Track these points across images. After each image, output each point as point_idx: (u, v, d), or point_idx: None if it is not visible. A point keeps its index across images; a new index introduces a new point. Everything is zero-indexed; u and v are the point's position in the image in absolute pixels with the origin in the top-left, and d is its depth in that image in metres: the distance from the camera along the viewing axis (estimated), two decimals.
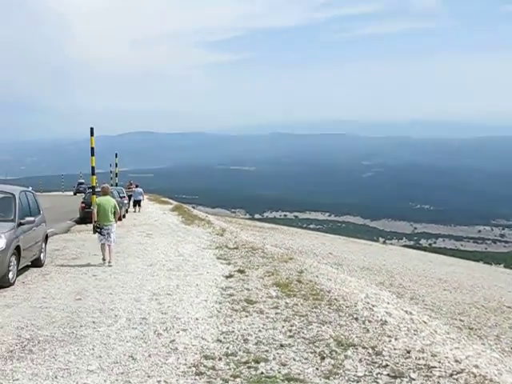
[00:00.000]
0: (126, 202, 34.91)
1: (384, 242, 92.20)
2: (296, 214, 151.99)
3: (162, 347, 6.71)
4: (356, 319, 7.97)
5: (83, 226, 25.18)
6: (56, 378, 5.74)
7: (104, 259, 13.90)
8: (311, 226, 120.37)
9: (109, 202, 14.48)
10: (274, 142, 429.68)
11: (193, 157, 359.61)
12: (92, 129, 21.77)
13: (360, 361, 6.16)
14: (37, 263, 13.30)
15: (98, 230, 14.18)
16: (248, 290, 10.16)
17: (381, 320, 7.90)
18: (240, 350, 6.56)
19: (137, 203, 37.46)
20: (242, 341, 6.94)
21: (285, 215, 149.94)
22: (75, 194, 67.67)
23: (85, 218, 26.65)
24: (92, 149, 21.90)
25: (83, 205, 28.23)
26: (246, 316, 8.21)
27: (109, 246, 13.93)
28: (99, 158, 22.55)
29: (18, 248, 11.24)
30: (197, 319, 8.01)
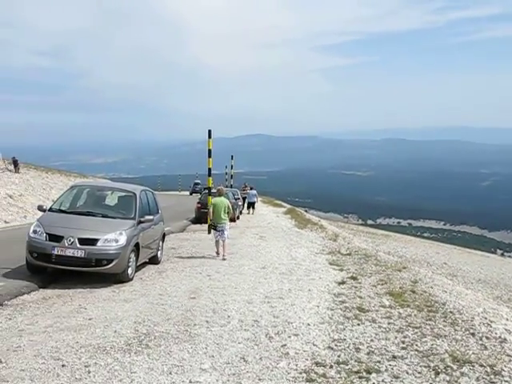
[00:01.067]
0: (240, 203, 35.44)
1: (502, 255, 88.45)
2: (410, 221, 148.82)
3: (273, 351, 6.72)
4: (473, 335, 7.64)
5: (198, 226, 25.81)
6: (170, 373, 5.88)
7: (218, 253, 15.28)
8: (425, 235, 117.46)
9: (223, 202, 15.49)
10: (387, 148, 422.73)
11: (306, 160, 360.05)
12: (210, 131, 22.28)
13: (477, 379, 5.89)
14: (154, 260, 13.77)
15: (213, 227, 15.49)
16: (360, 297, 10.01)
17: (500, 337, 7.52)
18: (351, 359, 6.46)
19: (251, 205, 37.93)
20: (354, 349, 6.83)
21: (398, 222, 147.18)
22: (191, 194, 69.53)
23: (200, 218, 27.31)
24: (209, 151, 22.38)
25: (199, 205, 28.92)
26: (358, 324, 8.08)
27: (223, 241, 15.21)
28: (215, 160, 23.00)
29: (137, 245, 11.69)
30: (308, 325, 7.97)
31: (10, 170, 38.92)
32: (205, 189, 40.28)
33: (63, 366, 6.01)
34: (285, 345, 6.95)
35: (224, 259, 14.69)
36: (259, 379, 5.81)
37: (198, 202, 29.64)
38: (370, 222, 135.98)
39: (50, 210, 12.07)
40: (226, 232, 15.30)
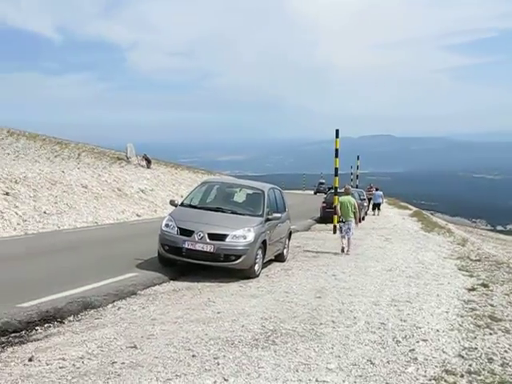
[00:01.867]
0: (365, 204, 35.07)
1: None
2: None
3: (400, 355, 6.58)
4: None
5: (323, 226, 25.79)
6: (297, 371, 5.90)
7: (342, 251, 15.82)
8: None
9: (349, 201, 16.13)
10: None
11: (432, 162, 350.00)
12: (337, 130, 22.20)
13: None
14: (280, 258, 13.90)
15: (341, 222, 16.24)
16: (492, 305, 9.59)
17: None
18: (484, 370, 6.20)
19: (376, 206, 37.45)
20: (486, 360, 6.55)
21: None
22: (315, 193, 69.56)
23: (325, 217, 27.28)
24: (336, 150, 22.30)
25: (324, 205, 28.90)
26: (490, 334, 7.74)
27: (348, 238, 15.92)
28: (340, 160, 22.90)
29: (264, 242, 11.85)
30: (437, 331, 7.73)
31: (143, 166, 40.62)
32: (329, 188, 40.03)
33: (193, 356, 6.19)
34: (413, 349, 6.78)
35: (348, 254, 15.46)
36: (386, 383, 5.72)
37: (324, 202, 29.62)
38: (499, 227, 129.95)
39: (182, 204, 12.50)
40: (351, 229, 15.95)
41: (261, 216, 12.05)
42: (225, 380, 5.51)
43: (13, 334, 7.02)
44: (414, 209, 52.06)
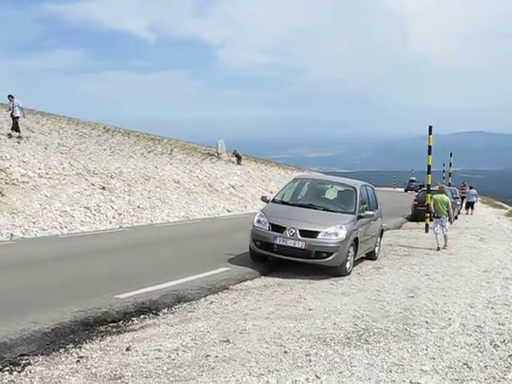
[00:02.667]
0: (458, 203, 34.13)
1: None
2: None
3: (499, 360, 6.35)
4: None
5: (415, 224, 25.30)
6: (390, 371, 5.80)
7: (438, 248, 15.99)
8: None
9: (443, 199, 16.32)
10: None
11: None
12: (430, 127, 21.71)
13: None
14: (371, 256, 13.74)
15: (435, 217, 16.49)
16: None
17: None
18: None
19: (470, 205, 36.35)
20: None
21: None
22: (406, 191, 68.33)
23: (417, 215, 26.78)
24: (429, 147, 21.83)
25: (416, 202, 28.35)
26: None
27: (443, 234, 16.27)
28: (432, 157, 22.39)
29: (356, 240, 11.74)
30: None
31: (233, 162, 41.08)
32: (421, 186, 39.21)
33: (285, 352, 6.21)
34: None
35: (445, 249, 15.94)
36: None
37: (415, 200, 29.07)
38: None
39: (273, 201, 12.55)
40: (446, 225, 16.24)
41: (353, 213, 11.93)
42: (317, 377, 5.49)
43: (111, 324, 7.26)
44: (510, 208, 50.18)
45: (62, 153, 24.69)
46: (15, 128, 25.36)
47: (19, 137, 25.16)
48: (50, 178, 19.22)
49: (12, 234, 14.16)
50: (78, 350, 6.27)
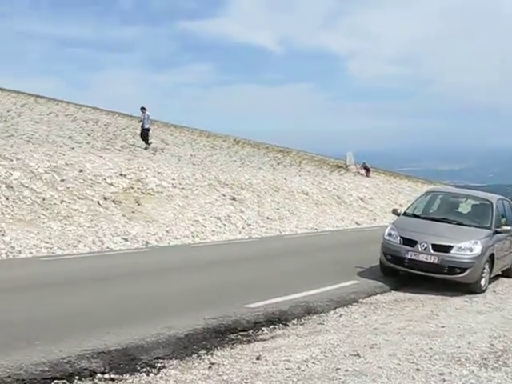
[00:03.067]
0: None
1: None
2: None
3: None
4: None
5: None
6: None
7: None
8: None
9: None
10: None
11: None
12: None
13: None
14: (508, 274, 13.10)
15: None
16: None
17: None
18: None
19: None
20: None
21: None
22: None
23: None
24: None
25: None
26: None
27: None
28: None
29: (491, 256, 11.24)
30: None
31: (362, 174, 40.64)
32: None
33: (418, 369, 6.02)
34: None
35: None
36: None
37: None
38: None
39: (404, 214, 12.30)
40: None
41: (488, 228, 11.43)
42: None
43: (241, 333, 7.38)
44: None
45: (194, 164, 25.49)
46: (144, 138, 26.60)
47: (146, 148, 26.25)
48: (183, 188, 19.90)
49: (147, 242, 14.75)
50: (209, 356, 6.42)
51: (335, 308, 9.04)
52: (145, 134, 26.61)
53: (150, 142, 26.93)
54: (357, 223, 25.28)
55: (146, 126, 26.44)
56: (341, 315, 8.64)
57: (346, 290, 10.11)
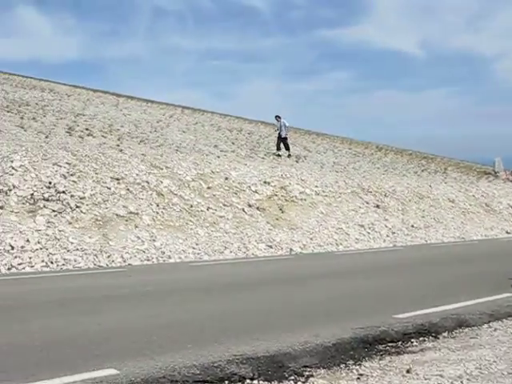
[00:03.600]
0: None
1: None
2: None
3: None
4: None
5: None
6: None
7: None
8: None
9: None
10: None
11: None
12: None
13: None
14: None
15: None
16: None
17: None
18: None
19: None
20: None
21: None
22: None
23: None
24: None
25: None
26: None
27: None
28: None
29: None
30: None
31: (511, 181, 38.65)
32: None
33: None
34: None
35: None
36: None
37: None
38: None
39: None
40: None
41: None
42: None
43: (390, 344, 7.17)
44: None
45: (336, 171, 25.38)
46: (285, 147, 26.58)
47: (289, 155, 26.36)
48: (326, 195, 19.87)
49: (291, 249, 14.86)
50: (357, 367, 6.29)
51: (489, 321, 8.55)
52: (283, 143, 26.60)
53: (285, 149, 26.82)
54: (507, 232, 24.05)
55: (283, 135, 26.33)
56: (495, 329, 8.16)
57: (501, 302, 9.54)
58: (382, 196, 22.17)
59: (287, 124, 26.41)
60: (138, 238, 13.50)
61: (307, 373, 5.98)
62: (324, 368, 6.17)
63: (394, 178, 26.84)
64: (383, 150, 40.10)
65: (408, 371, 6.07)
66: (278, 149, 26.48)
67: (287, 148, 26.79)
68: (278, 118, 26.81)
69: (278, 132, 27.08)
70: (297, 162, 25.33)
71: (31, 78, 37.39)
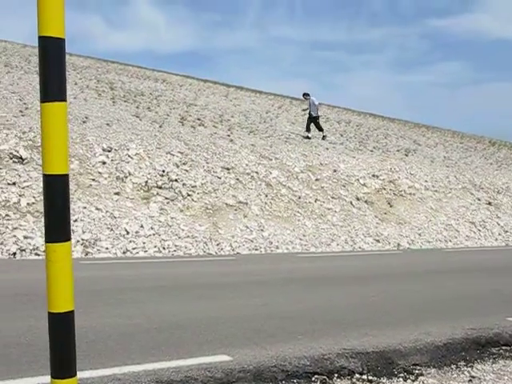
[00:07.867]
0: None
1: None
2: None
3: None
4: None
5: None
6: None
7: None
8: None
9: None
10: None
11: None
12: None
13: None
14: None
15: None
16: None
17: None
18: None
19: None
20: None
21: None
22: None
23: None
24: None
25: None
26: None
27: None
28: None
29: None
30: None
31: None
32: None
33: None
34: None
35: None
36: None
37: None
38: None
39: None
40: None
41: None
42: None
43: (503, 347, 6.97)
44: None
45: (447, 166, 24.73)
46: (317, 127, 24.73)
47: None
48: (436, 190, 19.44)
49: (399, 244, 14.66)
50: (469, 368, 6.16)
51: None
52: (315, 123, 24.42)
53: (318, 131, 24.98)
54: None
55: (314, 115, 24.11)
56: None
57: None
58: (495, 193, 21.43)
59: (316, 102, 24.15)
60: (247, 227, 13.75)
61: (417, 371, 5.93)
62: (434, 367, 6.09)
63: (507, 175, 25.85)
64: (496, 144, 38.66)
65: None
66: (308, 130, 24.58)
67: (320, 129, 24.98)
68: (306, 95, 24.61)
69: (307, 112, 24.96)
70: (406, 155, 24.89)
71: (145, 68, 38.72)
